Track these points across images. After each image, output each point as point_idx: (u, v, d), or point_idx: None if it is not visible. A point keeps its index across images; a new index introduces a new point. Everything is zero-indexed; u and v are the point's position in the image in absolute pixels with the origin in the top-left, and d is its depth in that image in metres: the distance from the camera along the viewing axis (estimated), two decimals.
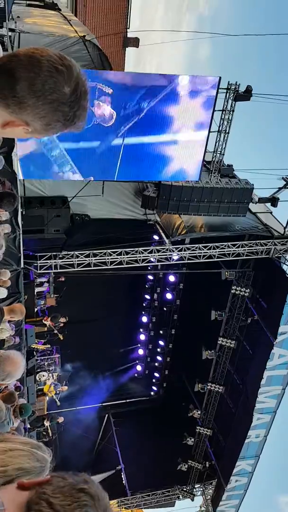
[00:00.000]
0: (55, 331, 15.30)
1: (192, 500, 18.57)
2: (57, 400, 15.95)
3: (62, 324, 15.66)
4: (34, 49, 1.20)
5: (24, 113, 1.22)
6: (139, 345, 20.50)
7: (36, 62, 1.17)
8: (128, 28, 21.97)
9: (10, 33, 9.94)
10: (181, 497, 18.64)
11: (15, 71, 1.17)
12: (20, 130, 1.28)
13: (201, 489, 18.55)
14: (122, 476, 18.22)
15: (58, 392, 15.90)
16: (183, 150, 11.56)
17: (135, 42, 22.01)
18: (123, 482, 18.08)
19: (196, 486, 18.34)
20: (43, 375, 15.69)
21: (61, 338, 15.62)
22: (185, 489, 18.25)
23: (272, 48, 44.68)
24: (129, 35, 22.02)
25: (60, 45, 10.97)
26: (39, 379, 15.46)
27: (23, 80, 1.16)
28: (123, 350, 20.40)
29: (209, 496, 18.27)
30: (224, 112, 11.66)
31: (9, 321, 6.69)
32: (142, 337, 20.22)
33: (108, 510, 1.10)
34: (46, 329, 15.15)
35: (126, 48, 22.38)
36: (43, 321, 14.92)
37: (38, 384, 15.17)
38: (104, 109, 10.60)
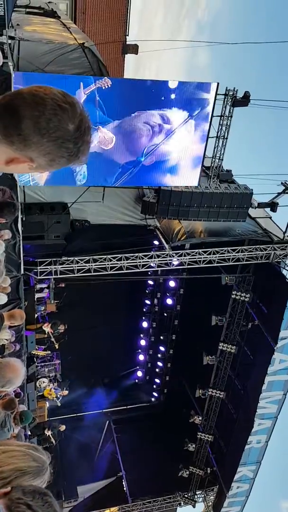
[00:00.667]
0: (52, 339, 15.29)
1: (194, 506, 18.45)
2: (57, 401, 15.90)
3: (61, 331, 15.66)
4: (38, 87, 1.22)
5: (28, 150, 1.24)
6: (139, 350, 20.45)
7: (40, 100, 1.19)
8: (127, 35, 22.12)
9: (10, 41, 10.00)
10: (182, 503, 18.54)
11: (19, 109, 1.19)
12: (25, 166, 1.30)
13: (203, 495, 18.44)
14: (123, 483, 18.13)
15: (59, 396, 15.86)
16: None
17: (134, 49, 22.15)
18: (124, 489, 17.99)
19: (197, 493, 18.24)
20: (44, 382, 15.66)
21: (56, 347, 15.60)
22: (186, 496, 18.14)
23: (270, 54, 44.94)
24: (128, 42, 22.17)
25: (60, 52, 11.05)
26: (39, 385, 15.43)
27: (28, 118, 1.18)
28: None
29: (210, 503, 18.16)
30: (222, 117, 11.73)
31: (9, 327, 6.69)
32: (143, 342, 20.19)
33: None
34: (46, 335, 15.14)
35: (125, 55, 22.52)
36: (43, 327, 14.91)
37: (38, 391, 15.13)
38: (105, 133, 10.77)
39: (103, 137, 10.80)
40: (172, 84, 10.84)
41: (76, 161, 1.30)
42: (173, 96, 10.86)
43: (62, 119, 1.19)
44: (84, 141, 1.26)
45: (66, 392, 16.27)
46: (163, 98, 10.86)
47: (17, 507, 1.20)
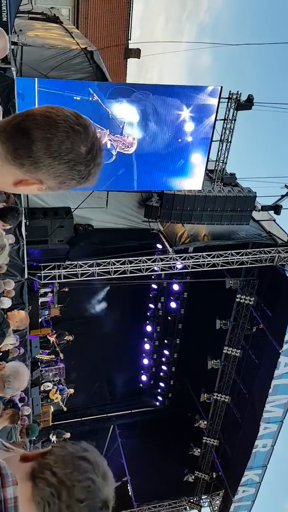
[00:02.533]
0: (57, 348, 15.29)
1: (199, 511, 18.35)
2: (63, 406, 15.85)
3: (68, 342, 15.70)
4: (50, 108, 1.20)
5: (39, 173, 1.22)
6: (143, 354, 20.41)
7: (52, 122, 1.16)
8: (129, 39, 22.19)
9: (13, 46, 10.04)
10: (188, 508, 18.44)
11: (31, 131, 1.16)
12: (34, 187, 1.28)
13: (208, 500, 18.33)
14: (128, 488, 18.05)
15: (64, 396, 15.81)
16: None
17: (136, 53, 22.20)
18: (129, 493, 17.90)
19: (203, 497, 18.13)
20: (48, 386, 15.62)
21: (61, 358, 15.60)
22: (192, 500, 18.04)
23: (273, 57, 45.02)
24: (131, 46, 22.24)
25: (62, 58, 11.09)
26: (44, 389, 15.40)
27: (39, 140, 1.16)
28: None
29: (216, 507, 18.05)
30: (225, 121, 11.73)
31: (14, 331, 6.68)
32: (147, 346, 20.13)
33: (106, 475, 1.16)
34: (51, 345, 15.18)
35: (128, 59, 22.58)
36: (47, 337, 14.91)
37: (42, 395, 15.10)
38: (124, 140, 10.84)
39: (121, 144, 10.87)
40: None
41: (86, 183, 1.28)
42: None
43: (74, 141, 1.17)
44: (96, 163, 1.23)
45: (72, 391, 16.20)
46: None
47: (41, 472, 1.13)
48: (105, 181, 10.95)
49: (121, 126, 10.84)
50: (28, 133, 1.17)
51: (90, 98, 10.29)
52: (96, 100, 10.33)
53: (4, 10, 8.81)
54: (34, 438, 13.09)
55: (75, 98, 10.16)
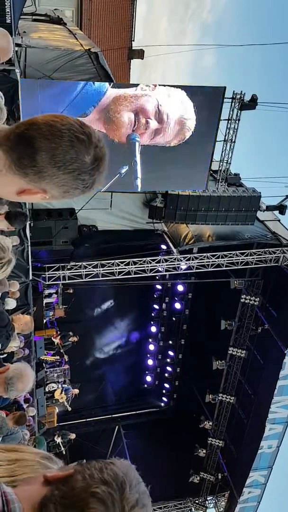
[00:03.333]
0: (61, 350, 15.30)
1: None
2: (67, 406, 15.86)
3: (72, 343, 15.71)
4: (54, 116, 1.18)
5: (42, 182, 1.21)
6: (148, 355, 20.39)
7: (57, 131, 1.15)
8: (133, 40, 22.21)
9: (16, 48, 10.07)
10: (193, 509, 18.41)
11: (35, 140, 1.15)
12: (37, 196, 1.27)
13: (214, 501, 18.28)
14: None
15: (69, 396, 15.82)
16: None
17: (140, 54, 22.21)
18: None
19: (208, 498, 18.08)
20: (53, 387, 15.64)
21: (66, 359, 15.62)
22: (197, 502, 18.00)
23: (277, 56, 44.91)
24: (134, 47, 22.25)
25: (66, 59, 11.11)
26: (49, 390, 15.42)
27: (44, 150, 1.15)
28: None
29: (222, 508, 17.99)
30: (229, 121, 11.70)
31: (18, 333, 6.69)
32: (151, 347, 20.11)
33: None
34: (56, 346, 15.21)
35: (131, 60, 22.60)
36: (52, 338, 14.93)
37: (47, 396, 15.12)
38: None
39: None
40: None
41: (89, 192, 1.27)
42: None
43: (79, 151, 1.16)
44: (100, 172, 1.23)
45: (76, 391, 16.21)
46: None
47: (46, 506, 0.98)
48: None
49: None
50: (32, 143, 1.16)
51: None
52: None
53: (8, 12, 8.83)
54: None
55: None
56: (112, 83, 10.49)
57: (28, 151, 1.16)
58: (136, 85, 10.79)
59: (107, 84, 10.42)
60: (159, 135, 10.92)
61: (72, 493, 0.97)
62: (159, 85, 10.71)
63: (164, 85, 10.70)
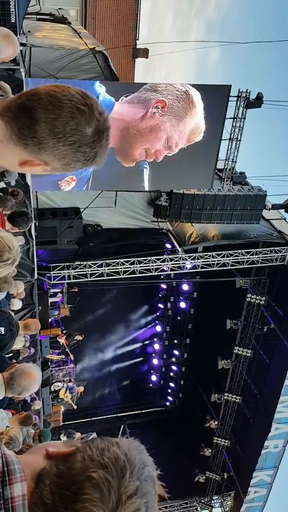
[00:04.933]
0: (67, 349, 15.32)
1: None
2: (73, 404, 15.89)
3: (78, 342, 15.73)
4: (55, 86, 1.16)
5: (43, 154, 1.20)
6: (153, 354, 20.38)
7: (57, 102, 1.13)
8: (137, 39, 22.17)
9: (21, 48, 10.07)
10: (199, 508, 18.37)
11: (35, 111, 1.14)
12: (38, 168, 1.26)
13: (220, 500, 18.25)
14: None
15: (74, 394, 15.84)
16: None
17: (144, 53, 22.18)
18: None
19: (214, 498, 18.05)
20: (58, 386, 15.67)
21: (72, 358, 15.64)
22: (203, 501, 17.97)
23: (283, 54, 44.66)
24: (139, 46, 22.22)
25: (71, 58, 11.09)
26: (54, 389, 15.46)
27: (44, 121, 1.13)
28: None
29: (227, 508, 17.97)
30: (235, 119, 11.65)
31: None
32: (157, 346, 20.10)
33: (121, 508, 0.87)
34: (61, 346, 15.24)
35: (136, 59, 22.57)
36: (57, 338, 14.96)
37: (52, 395, 15.15)
38: None
39: None
40: None
41: (92, 164, 1.25)
42: None
43: (79, 122, 1.13)
44: (102, 145, 1.20)
45: (81, 389, 16.22)
46: None
47: (43, 481, 0.94)
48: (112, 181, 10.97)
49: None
50: (32, 113, 1.14)
51: None
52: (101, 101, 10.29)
53: (12, 11, 8.84)
54: None
55: None
56: (120, 98, 10.41)
57: (28, 121, 1.15)
58: (142, 86, 10.67)
59: (113, 100, 10.37)
60: (168, 154, 11.03)
61: (69, 474, 0.93)
62: (167, 85, 10.59)
63: (177, 92, 10.59)
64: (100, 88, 10.14)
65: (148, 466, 0.98)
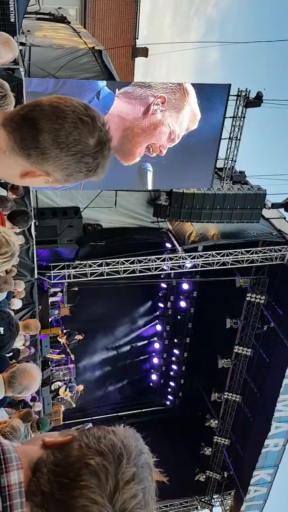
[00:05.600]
0: (68, 349, 15.34)
1: (211, 511, 18.30)
2: (73, 402, 15.90)
3: (78, 341, 15.74)
4: (58, 98, 1.18)
5: (45, 164, 1.20)
6: (153, 354, 20.39)
7: (60, 112, 1.14)
8: (137, 38, 22.16)
9: (21, 47, 10.07)
10: (199, 507, 18.39)
11: (38, 121, 1.15)
12: (40, 179, 1.27)
13: (220, 499, 18.26)
14: None
15: (73, 393, 15.85)
16: None
17: (144, 52, 22.18)
18: None
19: (214, 497, 18.07)
20: (58, 385, 15.69)
21: (72, 358, 15.66)
22: (203, 500, 17.99)
23: (283, 52, 44.61)
24: (138, 45, 22.21)
25: (70, 57, 11.10)
26: (54, 388, 15.47)
27: (47, 131, 1.14)
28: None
29: (228, 507, 17.99)
30: (235, 119, 11.64)
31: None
32: (157, 345, 20.12)
33: (118, 494, 0.88)
34: (61, 346, 15.26)
35: (135, 58, 22.56)
36: (58, 338, 14.97)
37: (52, 394, 15.17)
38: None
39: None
40: None
41: (93, 176, 1.26)
42: None
43: (82, 133, 1.15)
44: (104, 156, 1.21)
45: (81, 387, 16.23)
46: None
47: (40, 469, 0.95)
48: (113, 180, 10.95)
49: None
50: (35, 123, 1.15)
51: (89, 102, 10.25)
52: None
53: (12, 11, 8.83)
54: None
55: None
56: (116, 92, 10.41)
57: (31, 132, 1.16)
58: (144, 85, 10.68)
59: (113, 94, 10.37)
60: (170, 146, 11.14)
61: (66, 462, 0.94)
62: (165, 83, 10.62)
63: (171, 84, 10.60)
64: (102, 83, 10.23)
65: (144, 453, 0.99)
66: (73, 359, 15.72)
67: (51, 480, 0.92)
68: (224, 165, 12.35)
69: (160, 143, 10.86)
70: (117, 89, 10.25)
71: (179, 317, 19.05)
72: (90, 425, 1.12)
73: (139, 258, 12.47)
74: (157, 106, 10.51)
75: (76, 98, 1.20)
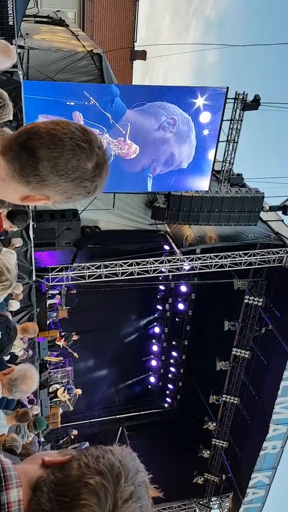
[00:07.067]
0: (69, 350, 15.35)
1: None
2: (70, 405, 15.88)
3: (74, 339, 15.74)
4: (55, 124, 1.20)
5: (45, 190, 1.24)
6: (151, 356, 20.39)
7: (58, 140, 1.17)
8: (135, 41, 22.20)
9: (19, 50, 10.08)
10: (197, 510, 18.38)
11: (37, 150, 1.17)
12: (40, 202, 1.31)
13: (218, 502, 18.25)
14: None
15: (71, 395, 15.83)
16: None
17: (142, 55, 22.21)
18: None
19: (212, 499, 18.06)
20: (56, 387, 15.67)
21: (76, 357, 15.69)
22: (201, 503, 17.97)
23: (281, 56, 44.73)
24: (137, 48, 22.25)
25: (69, 60, 11.11)
26: (52, 391, 15.45)
27: (46, 159, 1.17)
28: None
29: (226, 510, 17.97)
30: (232, 121, 11.69)
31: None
32: (155, 348, 20.11)
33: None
34: (61, 348, 15.28)
35: (134, 61, 22.60)
36: (56, 342, 14.98)
37: (50, 397, 15.14)
38: (129, 145, 11.00)
39: (126, 150, 10.97)
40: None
41: (92, 196, 1.29)
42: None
43: (80, 159, 1.17)
44: (102, 177, 1.25)
45: (79, 391, 16.21)
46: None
47: (40, 489, 0.96)
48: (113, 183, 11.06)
49: (124, 132, 10.82)
50: (34, 152, 1.18)
51: (86, 103, 10.28)
52: (93, 104, 10.33)
53: (10, 14, 8.86)
54: (43, 440, 13.15)
55: (68, 103, 10.17)
56: (130, 107, 10.70)
57: (30, 160, 1.18)
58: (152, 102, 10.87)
59: (125, 107, 10.68)
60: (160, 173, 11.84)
61: (66, 481, 0.95)
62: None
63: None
64: (116, 90, 10.49)
65: (141, 472, 1.01)
66: (77, 357, 15.72)
67: (52, 499, 0.93)
68: (222, 167, 12.38)
69: (160, 162, 11.35)
70: (133, 107, 10.72)
71: (177, 319, 19.05)
72: (87, 444, 1.13)
73: (137, 260, 12.48)
74: (168, 125, 10.97)
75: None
